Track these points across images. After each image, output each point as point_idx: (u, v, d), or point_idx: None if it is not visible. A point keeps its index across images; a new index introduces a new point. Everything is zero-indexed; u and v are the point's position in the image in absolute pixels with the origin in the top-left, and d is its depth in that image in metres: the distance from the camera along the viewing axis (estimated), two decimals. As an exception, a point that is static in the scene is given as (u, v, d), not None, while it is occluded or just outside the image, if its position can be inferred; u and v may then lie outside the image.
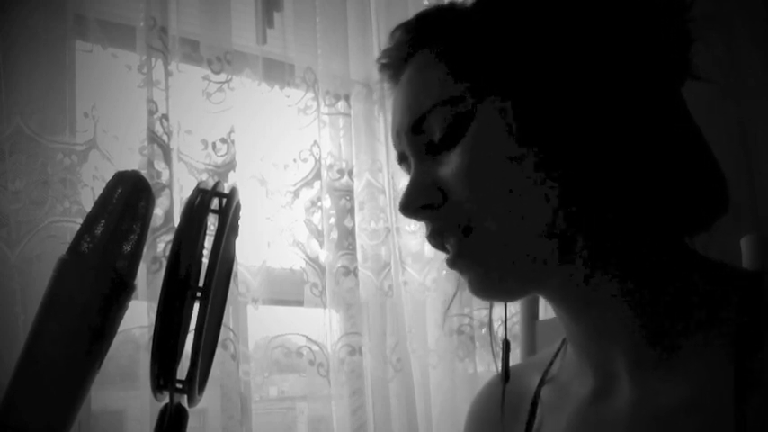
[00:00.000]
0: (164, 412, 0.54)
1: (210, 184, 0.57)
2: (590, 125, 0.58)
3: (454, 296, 1.36)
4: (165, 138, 1.24)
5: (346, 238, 1.44)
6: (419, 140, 0.63)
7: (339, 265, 1.42)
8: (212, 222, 0.57)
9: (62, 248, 0.55)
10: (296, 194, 1.42)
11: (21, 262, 1.12)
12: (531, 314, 1.14)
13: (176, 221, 1.16)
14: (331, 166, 1.47)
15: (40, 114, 1.17)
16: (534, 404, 0.71)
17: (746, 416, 0.54)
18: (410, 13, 0.70)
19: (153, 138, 1.22)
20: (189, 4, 1.34)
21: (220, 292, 0.62)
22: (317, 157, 1.44)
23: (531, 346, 1.12)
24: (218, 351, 1.19)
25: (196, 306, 0.53)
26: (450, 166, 0.60)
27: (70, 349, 0.52)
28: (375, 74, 0.69)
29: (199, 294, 0.53)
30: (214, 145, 1.32)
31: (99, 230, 0.54)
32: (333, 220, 1.44)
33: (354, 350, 1.40)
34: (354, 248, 1.44)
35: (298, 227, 1.42)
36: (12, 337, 1.07)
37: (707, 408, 0.56)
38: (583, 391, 0.65)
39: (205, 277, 0.54)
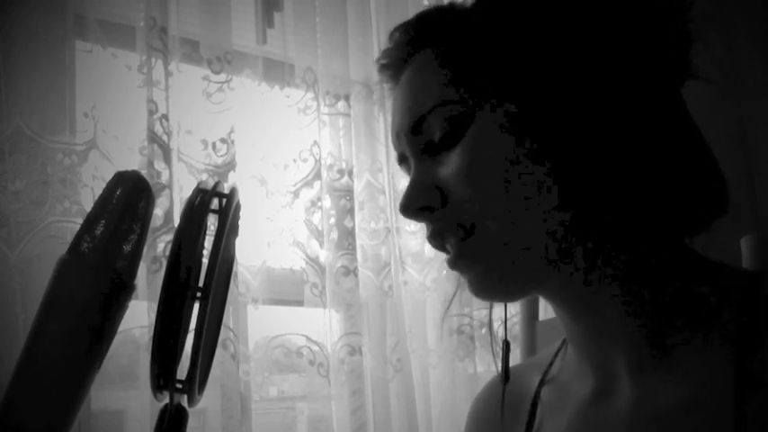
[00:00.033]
0: (164, 412, 0.54)
1: (210, 184, 0.57)
2: (590, 126, 0.58)
3: (453, 297, 1.36)
4: (165, 138, 1.24)
5: (346, 238, 1.44)
6: (419, 141, 0.63)
7: (339, 265, 1.42)
8: (212, 222, 0.57)
9: (62, 248, 0.55)
10: (296, 194, 1.42)
11: (21, 262, 1.12)
12: (531, 314, 1.14)
13: (176, 221, 1.16)
14: (331, 166, 1.47)
15: (40, 114, 1.17)
16: (534, 404, 0.71)
17: (746, 416, 0.54)
18: (410, 13, 0.70)
19: (153, 138, 1.22)
20: (189, 4, 1.34)
21: (220, 293, 0.62)
22: (317, 157, 1.44)
23: (531, 347, 1.12)
24: (218, 351, 1.19)
25: (196, 306, 0.53)
26: (450, 166, 0.60)
27: (70, 349, 0.52)
28: (375, 74, 0.70)
29: (199, 294, 0.53)
30: (214, 145, 1.32)
31: (99, 230, 0.54)
32: (333, 220, 1.45)
33: (354, 350, 1.40)
34: (354, 248, 1.44)
35: (298, 227, 1.42)
36: (12, 337, 1.07)
37: (707, 408, 0.56)
38: (583, 392, 0.65)
39: (205, 277, 0.54)
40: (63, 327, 0.52)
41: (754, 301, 0.58)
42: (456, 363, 1.48)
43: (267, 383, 1.45)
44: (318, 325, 1.39)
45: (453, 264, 0.62)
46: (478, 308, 1.50)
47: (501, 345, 0.73)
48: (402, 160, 0.67)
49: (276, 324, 1.38)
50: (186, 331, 0.54)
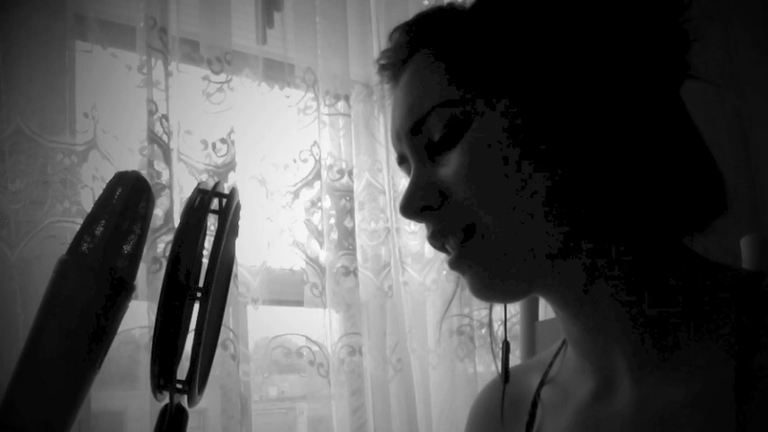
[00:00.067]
0: (164, 412, 0.54)
1: (210, 184, 0.58)
2: (589, 126, 0.58)
3: (453, 297, 1.36)
4: (165, 138, 1.24)
5: (346, 239, 1.44)
6: (419, 142, 0.63)
7: (339, 265, 1.42)
8: (212, 223, 0.57)
9: (62, 248, 0.55)
10: (296, 195, 1.42)
11: (21, 262, 1.12)
12: (531, 315, 1.14)
13: (176, 222, 1.16)
14: (331, 167, 1.47)
15: (40, 114, 1.17)
16: (534, 405, 0.71)
17: (747, 415, 0.54)
18: (410, 13, 0.70)
19: (153, 138, 1.22)
20: (189, 4, 1.34)
21: (220, 293, 0.62)
22: (317, 158, 1.44)
23: (531, 347, 1.12)
24: (218, 351, 1.19)
25: (196, 306, 0.53)
26: (450, 166, 0.60)
27: (70, 349, 0.52)
28: (375, 74, 0.70)
29: (199, 295, 0.53)
30: (214, 145, 1.32)
31: (99, 231, 0.54)
32: (333, 221, 1.45)
33: (354, 350, 1.40)
34: (354, 249, 1.44)
35: (298, 227, 1.42)
36: (12, 337, 1.07)
37: (707, 407, 0.56)
38: (583, 392, 0.65)
39: (205, 277, 0.54)
40: (63, 327, 0.52)
41: (754, 301, 0.58)
42: (456, 363, 1.48)
43: (267, 384, 1.45)
44: (318, 325, 1.39)
45: (454, 264, 0.62)
46: (478, 308, 1.50)
47: (501, 345, 0.73)
48: (402, 161, 0.67)
49: (276, 324, 1.38)
50: (186, 331, 0.54)
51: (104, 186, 0.56)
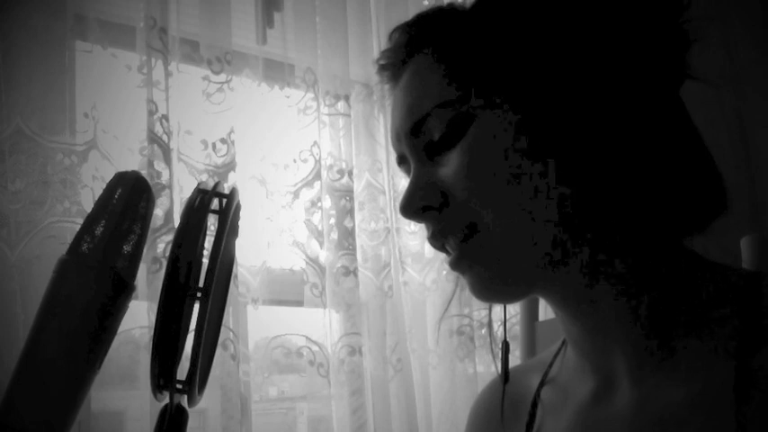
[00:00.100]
0: (164, 412, 0.54)
1: (210, 184, 0.58)
2: (588, 126, 0.58)
3: (452, 298, 1.36)
4: (165, 138, 1.24)
5: (346, 239, 1.44)
6: (419, 142, 0.63)
7: (339, 265, 1.42)
8: (212, 223, 0.57)
9: (62, 248, 0.55)
10: (296, 195, 1.42)
11: (21, 262, 1.12)
12: (531, 315, 1.14)
13: (176, 222, 1.16)
14: (331, 167, 1.47)
15: (40, 114, 1.17)
16: (534, 405, 0.71)
17: (747, 416, 0.54)
18: (410, 13, 0.70)
19: (153, 138, 1.22)
20: (189, 5, 1.34)
21: (220, 293, 0.62)
22: (317, 158, 1.44)
23: (531, 347, 1.12)
24: (218, 351, 1.19)
25: (196, 306, 0.53)
26: (451, 166, 0.60)
27: (70, 349, 0.52)
28: (375, 74, 0.70)
29: (199, 295, 0.53)
30: (214, 145, 1.32)
31: (99, 231, 0.54)
32: (333, 221, 1.45)
33: (354, 350, 1.40)
34: (354, 249, 1.44)
35: (298, 227, 1.42)
36: (12, 337, 1.07)
37: (707, 408, 0.56)
38: (583, 392, 0.65)
39: (205, 278, 0.54)
40: (63, 327, 0.52)
41: (754, 301, 0.58)
42: (456, 363, 1.48)
43: (267, 384, 1.45)
44: (318, 325, 1.39)
45: (454, 265, 0.62)
46: (478, 308, 1.50)
47: (501, 345, 0.73)
48: (402, 161, 0.67)
49: (276, 324, 1.38)
50: (186, 331, 0.54)
51: (104, 186, 0.56)
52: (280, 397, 1.55)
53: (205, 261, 0.55)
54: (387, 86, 0.68)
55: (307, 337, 1.38)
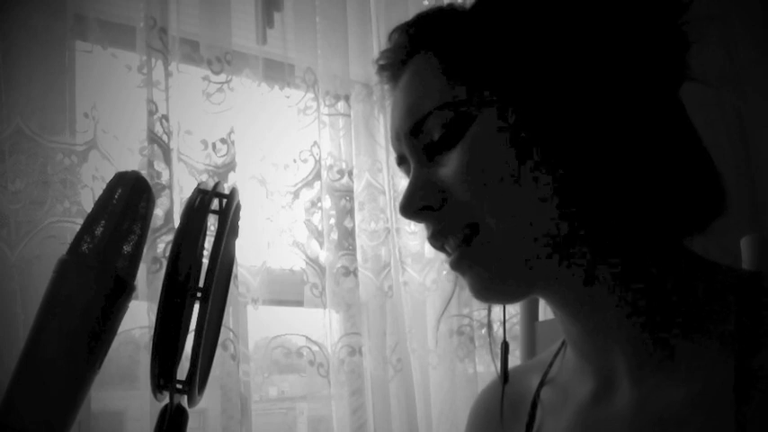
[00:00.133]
0: (164, 412, 0.54)
1: (210, 184, 0.58)
2: (588, 127, 0.58)
3: (451, 298, 1.36)
4: (164, 138, 1.24)
5: (346, 239, 1.44)
6: (419, 142, 0.63)
7: (339, 265, 1.42)
8: (212, 223, 0.57)
9: (62, 248, 0.55)
10: (296, 195, 1.42)
11: (21, 262, 1.12)
12: (530, 315, 1.14)
13: (176, 222, 1.16)
14: (331, 167, 1.47)
15: (40, 114, 1.17)
16: (534, 405, 0.71)
17: (746, 416, 0.54)
18: (410, 13, 0.70)
19: (153, 138, 1.22)
20: (189, 5, 1.34)
21: (220, 293, 0.62)
22: (317, 158, 1.44)
23: (530, 348, 1.12)
24: (218, 351, 1.19)
25: (196, 306, 0.53)
26: (450, 166, 0.60)
27: (70, 350, 0.52)
28: (375, 74, 0.70)
29: (199, 295, 0.53)
30: (214, 145, 1.32)
31: (99, 231, 0.54)
32: (333, 221, 1.45)
33: (354, 350, 1.40)
34: (354, 249, 1.44)
35: (298, 227, 1.42)
36: (12, 337, 1.07)
37: (707, 408, 0.56)
38: (582, 392, 0.65)
39: (205, 278, 0.54)
40: (63, 327, 0.52)
41: (754, 302, 0.58)
42: (456, 363, 1.48)
43: (267, 384, 1.45)
44: (318, 325, 1.39)
45: (454, 265, 0.62)
46: (478, 308, 1.50)
47: (500, 345, 0.73)
48: (401, 161, 0.67)
49: (276, 324, 1.38)
50: (186, 331, 0.54)
51: (104, 186, 0.56)
52: (280, 397, 1.55)
53: (205, 261, 0.55)
54: (387, 87, 0.68)
55: (307, 338, 1.38)
